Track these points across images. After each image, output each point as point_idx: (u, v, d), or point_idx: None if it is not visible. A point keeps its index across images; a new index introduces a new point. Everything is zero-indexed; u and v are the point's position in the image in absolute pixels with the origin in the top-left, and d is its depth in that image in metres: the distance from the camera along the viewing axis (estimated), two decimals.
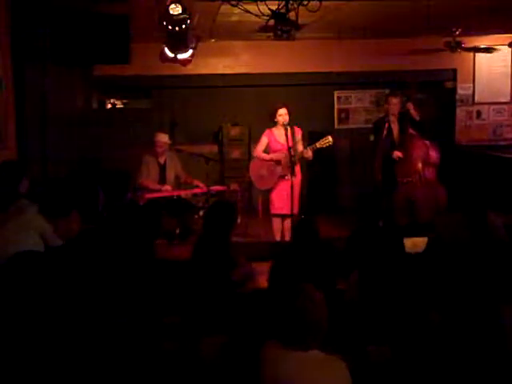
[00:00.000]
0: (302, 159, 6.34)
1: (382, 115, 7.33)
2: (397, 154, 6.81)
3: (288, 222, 6.24)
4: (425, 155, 6.83)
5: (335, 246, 4.14)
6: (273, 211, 6.46)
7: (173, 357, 2.99)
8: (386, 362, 2.93)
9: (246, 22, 6.12)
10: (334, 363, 2.39)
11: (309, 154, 6.21)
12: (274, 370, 2.38)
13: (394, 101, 6.94)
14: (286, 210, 6.19)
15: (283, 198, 6.22)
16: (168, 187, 6.80)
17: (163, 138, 6.88)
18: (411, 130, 6.87)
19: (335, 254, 3.93)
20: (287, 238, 6.23)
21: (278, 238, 6.47)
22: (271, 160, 6.36)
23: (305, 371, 2.34)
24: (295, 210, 6.14)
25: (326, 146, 6.28)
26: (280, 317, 2.41)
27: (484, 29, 7.87)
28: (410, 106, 6.87)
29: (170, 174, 6.93)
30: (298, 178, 6.31)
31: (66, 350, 2.28)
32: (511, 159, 7.66)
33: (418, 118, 6.85)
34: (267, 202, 6.56)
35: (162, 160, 6.91)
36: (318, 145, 6.23)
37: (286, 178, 6.20)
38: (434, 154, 6.88)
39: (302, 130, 6.46)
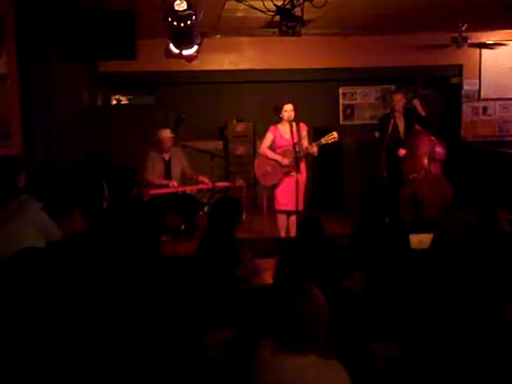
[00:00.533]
0: (308, 155, 6.33)
1: (387, 111, 7.32)
2: (401, 152, 6.80)
3: (293, 219, 6.23)
4: (431, 151, 6.82)
5: (340, 243, 4.13)
6: (277, 207, 6.45)
7: (177, 352, 2.99)
8: (392, 359, 2.92)
9: (251, 18, 6.12)
10: (333, 368, 2.29)
11: (314, 149, 6.19)
12: (270, 376, 2.31)
13: (398, 97, 6.95)
14: (290, 207, 6.18)
15: (288, 194, 6.21)
16: (175, 183, 6.79)
17: (167, 133, 6.86)
18: (417, 126, 6.85)
19: (341, 250, 3.91)
20: (293, 234, 6.22)
21: (282, 234, 6.46)
22: (275, 160, 6.35)
23: (302, 378, 2.25)
24: (300, 207, 6.13)
25: (332, 142, 6.27)
26: (280, 316, 2.34)
27: (490, 24, 7.83)
28: (417, 103, 6.86)
29: (175, 170, 6.91)
30: (303, 175, 6.29)
31: (71, 345, 2.28)
32: None
33: (423, 114, 6.84)
34: (272, 199, 6.56)
35: (166, 156, 6.90)
36: (323, 141, 6.21)
37: (291, 174, 6.19)
38: (439, 150, 6.87)
39: (307, 126, 6.45)
